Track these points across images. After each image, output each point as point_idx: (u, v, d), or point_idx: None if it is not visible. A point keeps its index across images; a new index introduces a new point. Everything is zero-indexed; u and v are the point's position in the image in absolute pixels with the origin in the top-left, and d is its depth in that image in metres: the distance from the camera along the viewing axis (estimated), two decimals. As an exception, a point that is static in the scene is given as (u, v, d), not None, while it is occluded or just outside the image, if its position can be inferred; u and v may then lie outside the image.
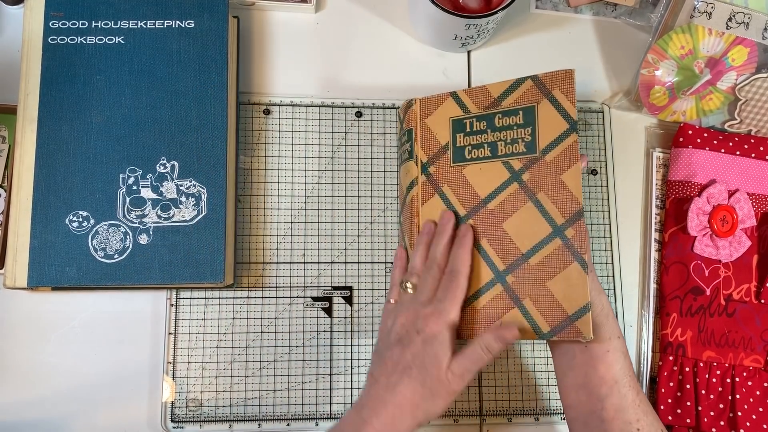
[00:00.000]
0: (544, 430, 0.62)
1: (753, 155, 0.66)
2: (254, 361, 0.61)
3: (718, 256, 0.64)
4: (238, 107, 0.64)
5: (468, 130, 0.58)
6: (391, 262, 0.64)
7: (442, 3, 0.61)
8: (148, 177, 0.58)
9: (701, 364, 0.62)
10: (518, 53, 0.71)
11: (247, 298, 0.62)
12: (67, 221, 0.57)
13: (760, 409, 0.61)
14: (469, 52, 0.71)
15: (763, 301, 0.64)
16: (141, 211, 0.58)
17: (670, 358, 0.62)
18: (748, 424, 0.60)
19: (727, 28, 0.64)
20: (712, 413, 0.60)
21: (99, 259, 0.57)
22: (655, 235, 0.67)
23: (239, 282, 0.62)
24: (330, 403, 0.61)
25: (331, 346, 0.62)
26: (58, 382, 0.59)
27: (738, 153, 0.66)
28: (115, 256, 0.57)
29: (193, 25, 0.61)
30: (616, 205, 0.67)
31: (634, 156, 0.69)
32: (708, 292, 0.64)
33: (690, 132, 0.67)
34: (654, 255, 0.66)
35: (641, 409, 0.50)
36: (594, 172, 0.68)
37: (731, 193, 0.65)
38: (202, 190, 0.59)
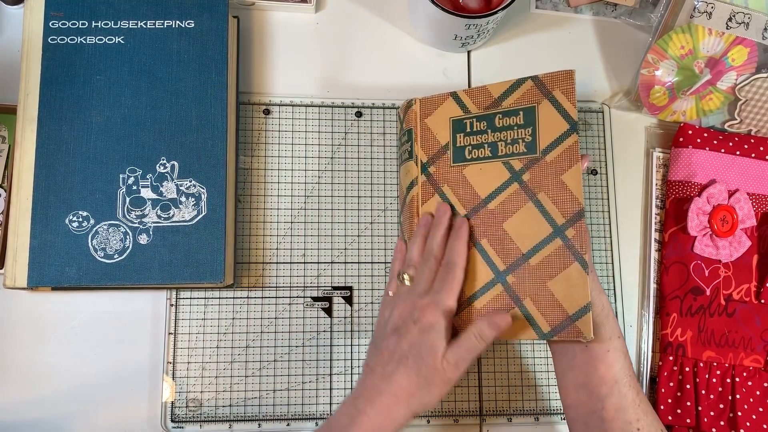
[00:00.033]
0: (544, 430, 0.62)
1: (753, 155, 0.66)
2: (254, 361, 0.61)
3: (718, 256, 0.64)
4: (238, 107, 0.64)
5: (468, 130, 0.58)
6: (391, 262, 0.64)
7: (442, 3, 0.61)
8: (148, 177, 0.58)
9: (701, 364, 0.62)
10: (518, 53, 0.71)
11: (247, 298, 0.62)
12: (67, 221, 0.57)
13: (760, 409, 0.61)
14: (469, 52, 0.71)
15: (763, 301, 0.64)
16: (141, 211, 0.58)
17: (670, 358, 0.62)
18: (748, 424, 0.60)
19: (727, 28, 0.64)
20: (712, 413, 0.60)
21: (99, 259, 0.57)
22: (655, 235, 0.67)
23: (239, 282, 0.62)
24: (330, 403, 0.61)
25: (331, 346, 0.62)
26: (58, 382, 0.59)
27: (738, 153, 0.66)
28: (115, 256, 0.57)
29: (193, 25, 0.61)
30: (616, 205, 0.67)
31: (634, 156, 0.69)
32: (708, 292, 0.64)
33: (690, 132, 0.67)
34: (654, 255, 0.66)
35: (641, 408, 0.50)
36: (594, 172, 0.68)
37: (731, 193, 0.65)
38: (202, 190, 0.59)
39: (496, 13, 0.62)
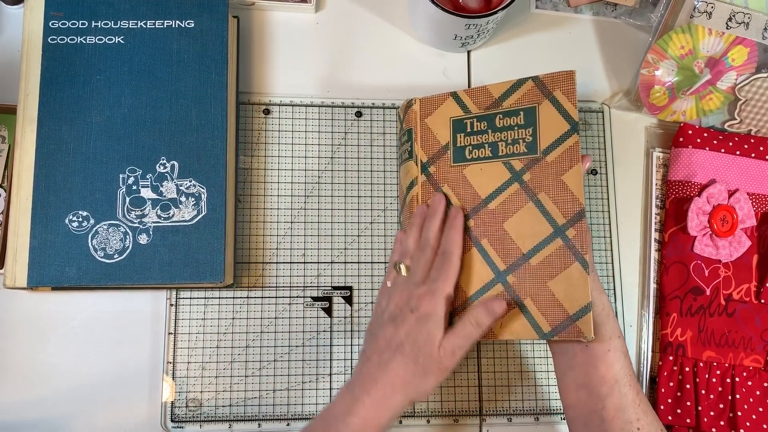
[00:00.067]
0: (544, 430, 0.62)
1: (753, 155, 0.66)
2: (254, 361, 0.61)
3: (718, 256, 0.64)
4: (238, 107, 0.64)
5: (469, 130, 0.58)
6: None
7: (442, 3, 0.61)
8: (147, 177, 0.58)
9: (701, 364, 0.62)
10: (518, 53, 0.71)
11: (247, 298, 0.62)
12: (67, 221, 0.57)
13: (760, 409, 0.61)
14: (469, 52, 0.71)
15: (763, 301, 0.64)
16: (141, 211, 0.58)
17: (670, 358, 0.62)
18: (748, 424, 0.60)
19: (727, 28, 0.64)
20: (712, 413, 0.60)
21: (99, 259, 0.57)
22: (655, 235, 0.67)
23: (239, 282, 0.62)
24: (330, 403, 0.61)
25: (331, 346, 0.62)
26: (58, 382, 0.59)
27: (738, 153, 0.66)
28: (115, 256, 0.57)
29: (193, 25, 0.61)
30: (616, 205, 0.67)
31: (634, 156, 0.69)
32: (708, 292, 0.64)
33: (690, 132, 0.67)
34: (654, 255, 0.66)
35: (641, 408, 0.50)
36: (594, 172, 0.68)
37: (731, 193, 0.65)
38: (202, 190, 0.59)
39: (496, 13, 0.62)
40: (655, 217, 0.67)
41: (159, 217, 0.58)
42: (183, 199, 0.58)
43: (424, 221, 0.56)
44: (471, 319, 0.51)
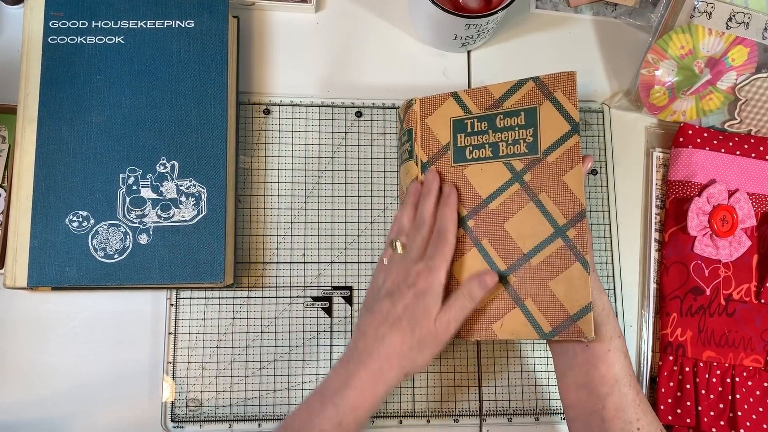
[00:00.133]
0: (544, 430, 0.62)
1: (753, 155, 0.67)
2: (254, 361, 0.61)
3: (718, 256, 0.64)
4: (238, 107, 0.64)
5: (469, 130, 0.58)
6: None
7: (442, 3, 0.61)
8: (148, 177, 0.58)
9: (701, 364, 0.62)
10: (518, 53, 0.71)
11: (247, 298, 0.62)
12: (67, 221, 0.57)
13: (760, 409, 0.61)
14: (469, 52, 0.71)
15: (763, 301, 0.64)
16: (141, 210, 0.58)
17: (670, 358, 0.62)
18: (748, 424, 0.60)
19: (727, 28, 0.64)
20: (712, 413, 0.60)
21: (99, 259, 0.57)
22: (655, 235, 0.67)
23: (239, 282, 0.62)
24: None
25: (331, 346, 0.62)
26: (58, 382, 0.59)
27: (738, 153, 0.66)
28: (115, 256, 0.57)
29: (193, 25, 0.61)
30: (616, 205, 0.67)
31: (634, 156, 0.69)
32: (708, 292, 0.64)
33: (690, 132, 0.67)
34: (654, 255, 0.66)
35: (641, 408, 0.50)
36: (594, 172, 0.68)
37: (731, 193, 0.65)
38: (202, 190, 0.59)
39: (496, 13, 0.62)
40: (655, 217, 0.67)
41: (159, 217, 0.58)
42: (183, 199, 0.58)
43: (419, 199, 0.57)
44: (465, 292, 0.52)
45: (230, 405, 0.60)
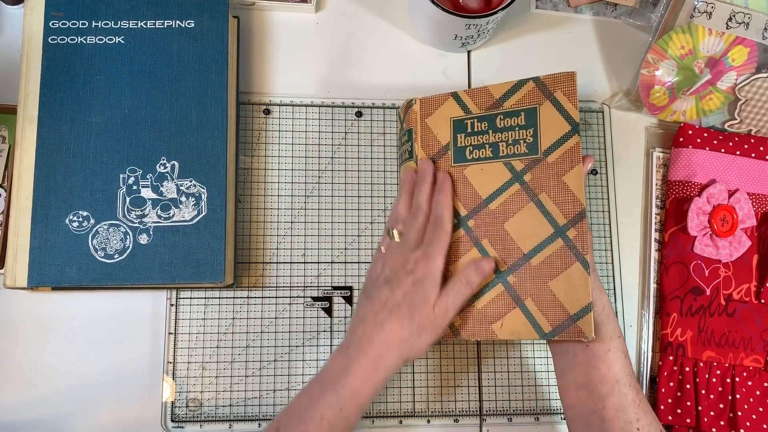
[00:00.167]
0: (544, 430, 0.62)
1: (753, 155, 0.67)
2: (254, 361, 0.61)
3: (718, 256, 0.64)
4: (238, 107, 0.64)
5: (469, 130, 0.58)
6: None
7: (442, 3, 0.61)
8: (148, 177, 0.58)
9: (701, 364, 0.62)
10: (518, 53, 0.71)
11: (247, 298, 0.62)
12: (67, 221, 0.57)
13: (760, 409, 0.61)
14: (469, 52, 0.71)
15: (763, 301, 0.64)
16: (141, 210, 0.58)
17: (670, 358, 0.62)
18: (748, 424, 0.60)
19: (727, 28, 0.64)
20: (712, 413, 0.60)
21: (99, 259, 0.57)
22: (655, 235, 0.67)
23: (239, 282, 0.62)
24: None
25: (331, 346, 0.62)
26: (58, 382, 0.59)
27: (738, 153, 0.66)
28: (115, 256, 0.57)
29: (193, 25, 0.61)
30: (616, 205, 0.67)
31: (634, 156, 0.69)
32: (708, 292, 0.64)
33: (690, 132, 0.67)
34: (654, 255, 0.66)
35: (641, 408, 0.50)
36: (594, 172, 0.68)
37: (731, 193, 0.65)
38: (202, 190, 0.59)
39: (496, 13, 0.62)
40: (655, 217, 0.67)
41: (159, 217, 0.58)
42: (183, 199, 0.58)
43: (414, 187, 0.57)
44: (462, 278, 0.53)
45: (230, 405, 0.60)
